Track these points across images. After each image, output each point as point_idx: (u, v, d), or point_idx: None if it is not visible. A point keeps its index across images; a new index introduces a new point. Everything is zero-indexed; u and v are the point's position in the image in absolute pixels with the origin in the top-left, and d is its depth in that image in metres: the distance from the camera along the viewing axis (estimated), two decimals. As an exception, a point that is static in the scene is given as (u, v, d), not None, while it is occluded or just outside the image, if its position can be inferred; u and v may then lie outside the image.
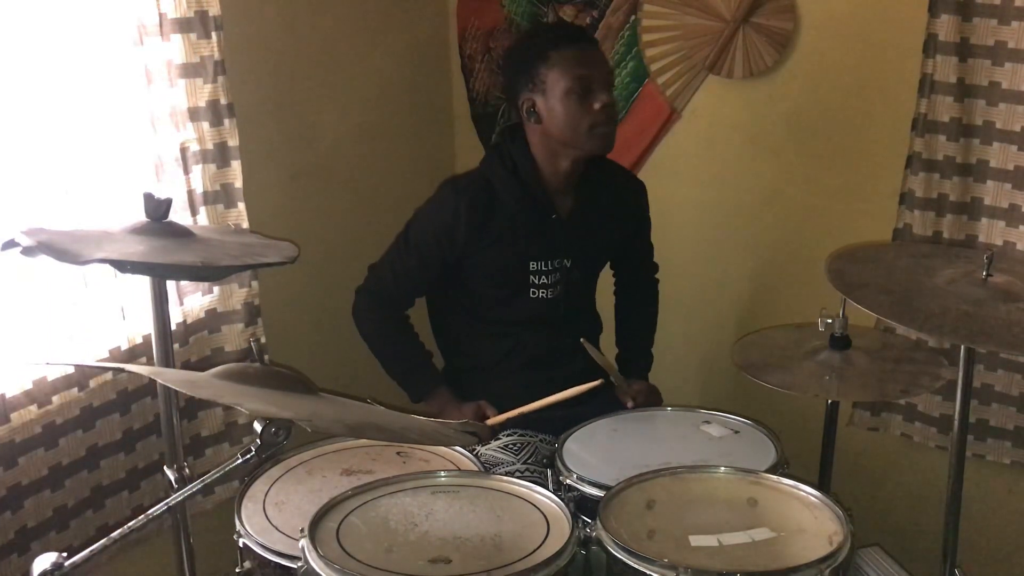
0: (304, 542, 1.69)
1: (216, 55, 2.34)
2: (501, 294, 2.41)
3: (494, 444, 2.33)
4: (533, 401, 2.31)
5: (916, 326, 1.81)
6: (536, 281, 2.39)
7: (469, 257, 2.36)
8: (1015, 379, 2.50)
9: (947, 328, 1.79)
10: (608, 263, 2.62)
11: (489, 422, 2.28)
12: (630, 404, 2.38)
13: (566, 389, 2.42)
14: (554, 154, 2.32)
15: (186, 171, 2.36)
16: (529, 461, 2.29)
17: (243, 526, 1.88)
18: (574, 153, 2.31)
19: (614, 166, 2.53)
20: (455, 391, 2.48)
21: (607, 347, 2.61)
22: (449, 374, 2.54)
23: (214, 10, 2.32)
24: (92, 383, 2.23)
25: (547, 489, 1.89)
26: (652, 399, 2.46)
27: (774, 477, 1.91)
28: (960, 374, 1.94)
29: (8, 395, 2.08)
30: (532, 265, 2.38)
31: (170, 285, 2.21)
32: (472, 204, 2.32)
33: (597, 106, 2.24)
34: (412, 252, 2.40)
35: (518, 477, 2.17)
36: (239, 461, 1.59)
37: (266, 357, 2.53)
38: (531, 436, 2.35)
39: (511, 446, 2.32)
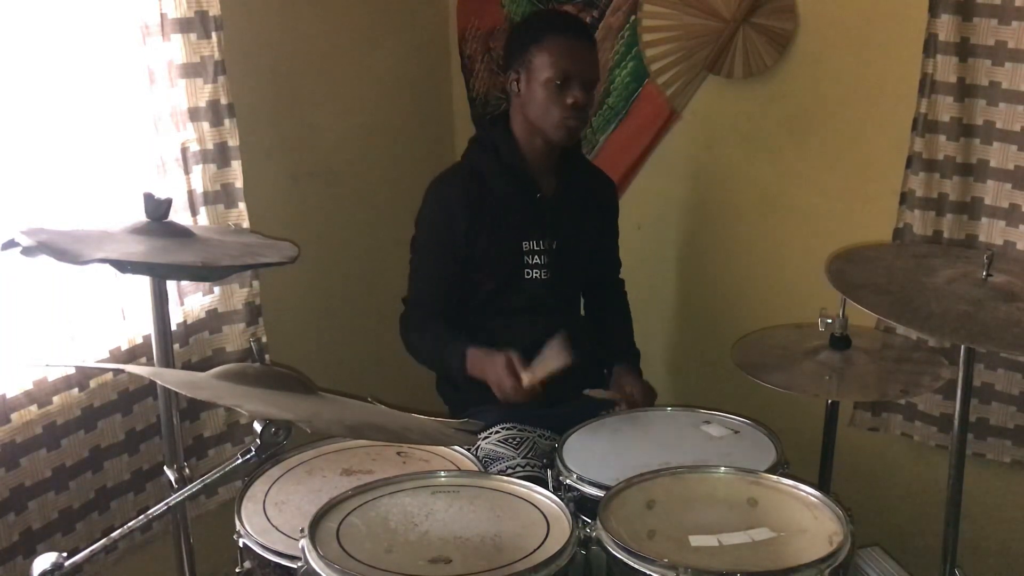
0: (304, 542, 1.69)
1: (216, 55, 2.34)
2: (499, 278, 2.45)
3: (493, 438, 2.34)
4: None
5: (916, 326, 1.81)
6: (529, 261, 2.45)
7: (471, 246, 2.40)
8: (1015, 378, 2.50)
9: (947, 328, 1.79)
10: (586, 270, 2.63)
11: (525, 383, 2.22)
12: (624, 406, 2.40)
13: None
14: (530, 132, 2.42)
15: (186, 171, 2.36)
16: (528, 456, 2.30)
17: (243, 526, 1.88)
18: (543, 136, 2.40)
19: (588, 161, 2.69)
20: (455, 391, 2.49)
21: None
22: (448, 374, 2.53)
23: (214, 10, 2.32)
24: (92, 383, 2.23)
25: (547, 489, 1.90)
26: (648, 400, 2.47)
27: (774, 477, 1.91)
28: (960, 374, 1.94)
29: (8, 395, 2.08)
30: (525, 245, 2.44)
31: (170, 285, 2.21)
32: (464, 192, 2.40)
33: (569, 101, 2.32)
34: (425, 257, 2.46)
35: (518, 472, 2.19)
36: (239, 461, 1.59)
37: (267, 357, 2.54)
38: (530, 431, 2.37)
39: (510, 440, 2.33)
